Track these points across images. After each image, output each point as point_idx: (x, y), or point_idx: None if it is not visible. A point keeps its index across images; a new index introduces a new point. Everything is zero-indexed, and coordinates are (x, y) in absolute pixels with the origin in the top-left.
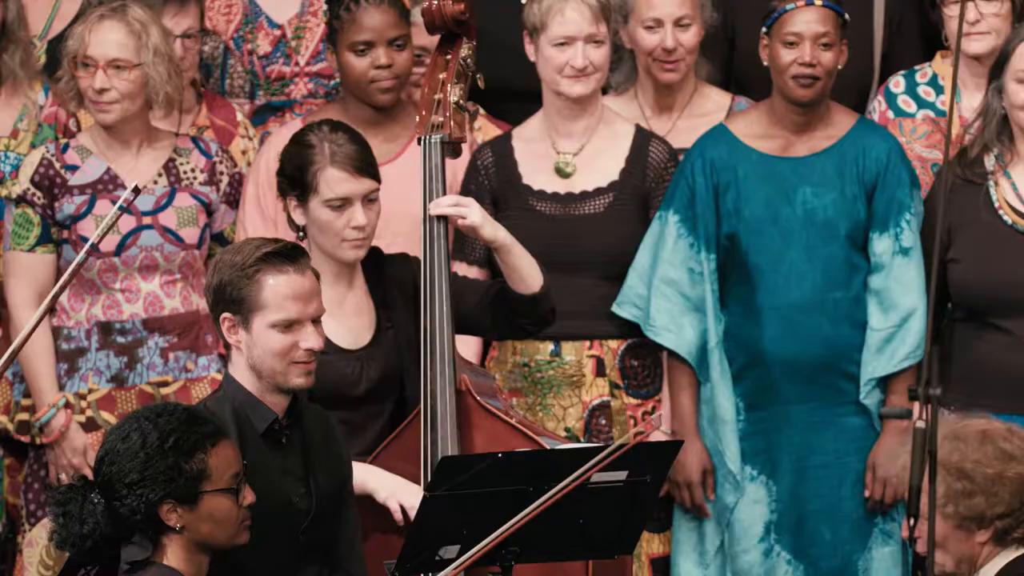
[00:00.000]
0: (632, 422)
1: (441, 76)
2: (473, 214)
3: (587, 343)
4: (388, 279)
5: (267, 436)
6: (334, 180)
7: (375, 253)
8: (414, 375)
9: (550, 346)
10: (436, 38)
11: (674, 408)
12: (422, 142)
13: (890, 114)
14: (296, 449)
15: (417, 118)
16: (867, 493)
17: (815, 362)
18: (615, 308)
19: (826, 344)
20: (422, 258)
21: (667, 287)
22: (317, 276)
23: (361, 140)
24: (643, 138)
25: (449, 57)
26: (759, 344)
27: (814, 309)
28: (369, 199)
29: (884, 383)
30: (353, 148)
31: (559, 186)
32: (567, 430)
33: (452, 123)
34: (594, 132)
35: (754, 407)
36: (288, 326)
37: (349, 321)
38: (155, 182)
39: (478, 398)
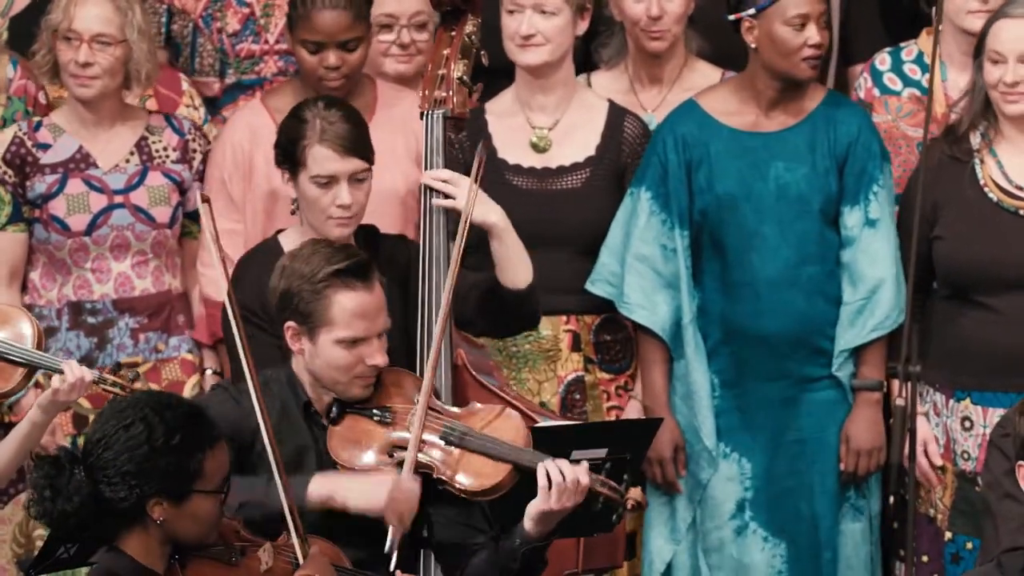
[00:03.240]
0: (605, 396)
1: (445, 52)
2: (460, 195)
3: (564, 317)
4: (381, 258)
5: (309, 418)
6: (321, 157)
7: (371, 231)
8: (402, 354)
9: None
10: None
11: (645, 384)
12: (424, 117)
13: (876, 92)
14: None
15: (422, 93)
16: (841, 466)
17: (789, 338)
18: (588, 286)
19: (800, 319)
20: (420, 230)
21: (640, 264)
22: (383, 284)
23: (356, 119)
24: (617, 113)
25: (454, 33)
26: (733, 320)
27: (788, 284)
28: (357, 179)
29: (856, 355)
30: (345, 127)
31: (535, 161)
32: (542, 404)
33: (455, 99)
34: (568, 106)
35: (728, 383)
36: (354, 342)
37: None
38: (127, 160)
39: (474, 373)
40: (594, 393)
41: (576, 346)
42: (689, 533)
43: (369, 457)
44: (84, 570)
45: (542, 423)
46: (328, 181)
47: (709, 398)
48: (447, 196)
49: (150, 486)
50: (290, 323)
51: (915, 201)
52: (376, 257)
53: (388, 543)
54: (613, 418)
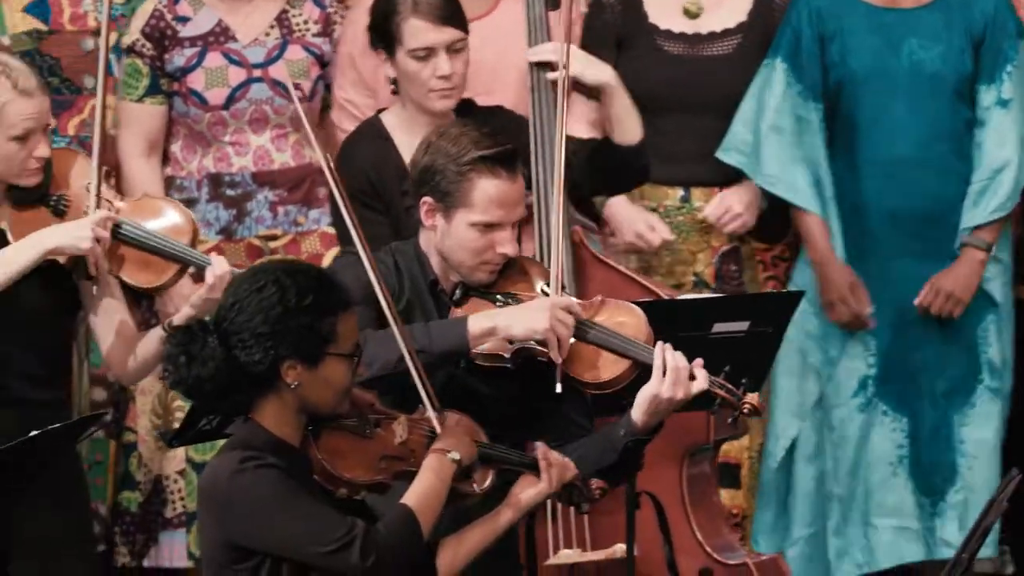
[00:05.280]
0: (761, 266)
1: None
2: (573, 61)
3: (717, 189)
4: None
5: (435, 295)
6: (417, 29)
7: (467, 104)
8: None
9: (680, 192)
10: None
11: (807, 240)
12: None
13: None
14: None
15: None
16: (918, 300)
17: (918, 216)
18: (719, 154)
19: (930, 198)
20: (530, 107)
21: (776, 135)
22: (524, 176)
23: None
24: None
25: None
26: (861, 197)
27: (918, 163)
28: (455, 48)
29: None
30: None
31: (686, 26)
32: (696, 275)
33: None
34: None
35: (856, 260)
36: (488, 227)
37: None
38: (267, 34)
39: (592, 248)
40: (751, 263)
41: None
42: (816, 411)
43: None
44: (221, 442)
45: (684, 296)
46: (426, 54)
47: None
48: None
49: (284, 347)
50: (427, 198)
51: None
52: None
53: (558, 386)
54: (770, 288)
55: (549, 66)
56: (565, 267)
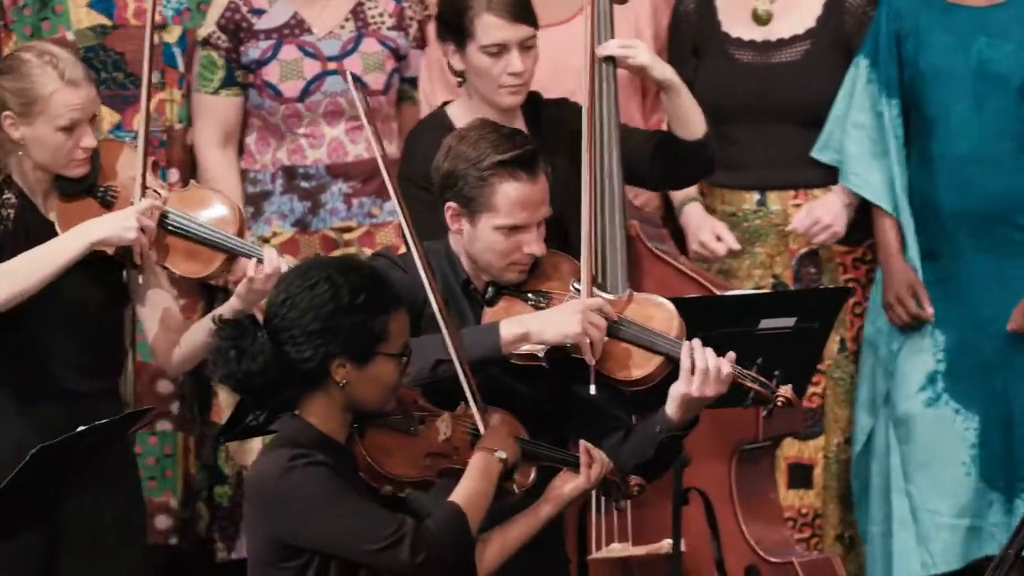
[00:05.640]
0: (841, 269)
1: None
2: (641, 54)
3: (792, 192)
4: (546, 123)
5: (468, 295)
6: (491, 26)
7: (533, 98)
8: (573, 220)
9: (756, 195)
10: None
11: (877, 238)
12: None
13: None
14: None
15: None
16: (1011, 326)
17: (983, 214)
18: (814, 152)
19: (994, 196)
20: (588, 101)
21: (857, 131)
22: (547, 174)
23: None
24: None
25: None
26: (931, 194)
27: (982, 160)
28: (526, 45)
29: None
30: None
31: (756, 33)
32: (775, 277)
33: None
34: None
35: (926, 257)
36: (513, 229)
37: None
38: (342, 27)
39: (648, 244)
40: (830, 266)
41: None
42: (886, 406)
43: None
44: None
45: (730, 291)
46: (499, 50)
47: (919, 270)
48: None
49: (335, 345)
50: (451, 203)
51: None
52: (539, 122)
53: (592, 387)
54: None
55: (613, 61)
56: (621, 261)
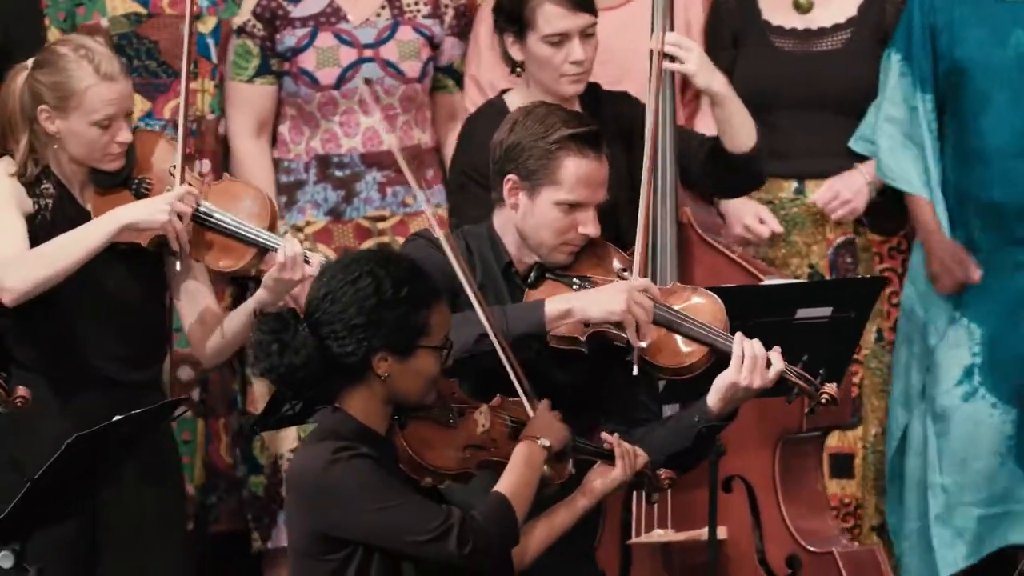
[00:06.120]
0: (878, 259)
1: None
2: (690, 59)
3: (830, 180)
4: (604, 114)
5: (509, 278)
6: (552, 15)
7: (592, 88)
8: (627, 210)
9: (793, 184)
10: None
11: (914, 219)
12: None
13: None
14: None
15: None
16: None
17: (1019, 206)
18: (851, 143)
19: None
20: (648, 91)
21: (890, 125)
22: (609, 157)
23: None
24: None
25: None
26: (966, 186)
27: (1019, 153)
28: (587, 33)
29: None
30: None
31: (797, 22)
32: (811, 266)
33: None
34: None
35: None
36: (572, 206)
37: None
38: (378, 14)
39: (700, 232)
40: (866, 256)
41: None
42: (922, 401)
43: None
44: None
45: (767, 281)
46: (560, 39)
47: None
48: (673, 60)
49: (377, 339)
50: (512, 176)
51: None
52: (600, 114)
53: (635, 368)
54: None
55: (670, 56)
56: (671, 250)
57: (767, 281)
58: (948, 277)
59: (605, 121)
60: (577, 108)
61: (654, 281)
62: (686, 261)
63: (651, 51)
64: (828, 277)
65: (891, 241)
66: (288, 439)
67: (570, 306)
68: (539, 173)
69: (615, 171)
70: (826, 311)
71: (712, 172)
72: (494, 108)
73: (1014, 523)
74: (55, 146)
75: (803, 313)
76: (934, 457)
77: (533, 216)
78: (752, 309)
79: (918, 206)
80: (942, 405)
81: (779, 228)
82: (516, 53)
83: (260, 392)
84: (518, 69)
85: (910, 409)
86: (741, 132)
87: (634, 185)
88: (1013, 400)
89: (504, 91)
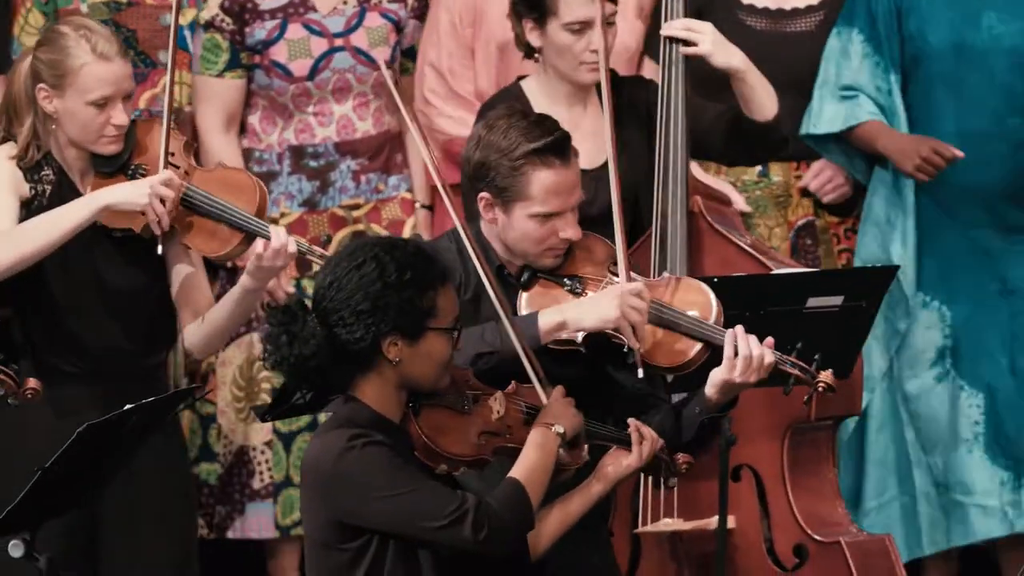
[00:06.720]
0: (835, 240)
1: None
2: (704, 41)
3: (794, 164)
4: (622, 100)
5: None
6: (575, 3)
7: (611, 74)
8: (645, 196)
9: (758, 167)
10: None
11: (867, 133)
12: None
13: None
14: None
15: None
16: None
17: (993, 188)
18: (809, 128)
19: (1006, 171)
20: (659, 78)
21: (848, 100)
22: (576, 155)
23: None
24: None
25: None
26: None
27: (993, 136)
28: (608, 22)
29: None
30: None
31: (770, 1)
32: (772, 249)
33: None
34: None
35: (934, 231)
36: (548, 216)
37: (584, 142)
38: (344, 3)
39: (710, 220)
40: (825, 237)
41: (807, 191)
42: (884, 380)
43: None
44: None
45: (777, 270)
46: (582, 27)
47: (913, 248)
48: (688, 43)
49: (386, 323)
50: (484, 194)
51: None
52: (617, 100)
53: (639, 370)
54: (844, 262)
55: (682, 41)
56: (681, 241)
57: (777, 270)
58: (929, 166)
59: (622, 107)
60: (594, 96)
61: (662, 272)
62: (696, 250)
63: (663, 37)
64: (789, 258)
65: (847, 222)
66: (263, 431)
67: (564, 318)
68: (509, 191)
69: (634, 156)
70: (837, 300)
71: (736, 143)
72: (510, 94)
73: (989, 517)
74: (53, 126)
75: (814, 302)
76: (911, 437)
77: (512, 229)
78: (762, 298)
79: (863, 127)
80: (917, 386)
81: (746, 207)
82: (535, 40)
83: (222, 379)
84: (536, 55)
85: (871, 389)
86: (765, 101)
87: (652, 168)
88: (979, 385)
89: (520, 77)
